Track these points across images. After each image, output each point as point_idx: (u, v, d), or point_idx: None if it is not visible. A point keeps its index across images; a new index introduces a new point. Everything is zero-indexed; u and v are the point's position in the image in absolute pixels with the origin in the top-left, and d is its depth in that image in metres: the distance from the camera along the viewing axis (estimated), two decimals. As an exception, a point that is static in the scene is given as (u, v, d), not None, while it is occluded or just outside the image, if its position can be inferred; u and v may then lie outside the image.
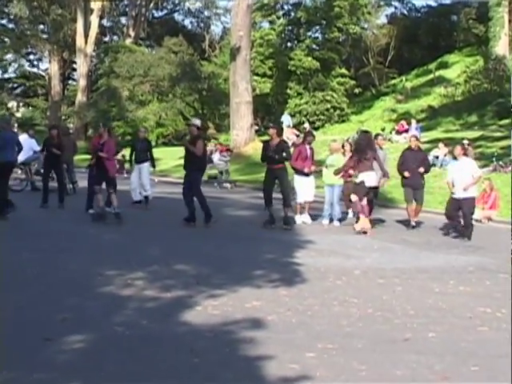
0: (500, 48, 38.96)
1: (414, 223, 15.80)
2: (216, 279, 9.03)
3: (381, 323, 7.15)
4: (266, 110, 46.14)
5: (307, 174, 16.00)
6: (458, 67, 44.09)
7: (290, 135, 37.07)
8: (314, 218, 16.20)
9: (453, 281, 9.66)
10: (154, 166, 18.16)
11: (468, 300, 8.44)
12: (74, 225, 13.97)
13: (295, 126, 39.85)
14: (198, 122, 15.61)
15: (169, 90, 47.13)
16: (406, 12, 57.17)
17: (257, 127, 40.72)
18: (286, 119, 39.52)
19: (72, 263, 9.79)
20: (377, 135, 17.39)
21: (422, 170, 15.80)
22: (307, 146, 16.15)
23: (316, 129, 40.10)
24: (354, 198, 14.97)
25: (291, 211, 15.45)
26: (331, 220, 16.17)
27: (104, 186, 14.81)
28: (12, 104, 68.43)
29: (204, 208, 14.52)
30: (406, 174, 15.74)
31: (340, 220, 16.21)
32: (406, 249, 12.93)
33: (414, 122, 34.68)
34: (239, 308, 7.49)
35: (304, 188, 16.01)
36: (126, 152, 22.97)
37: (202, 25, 64.93)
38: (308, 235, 13.85)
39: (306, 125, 38.53)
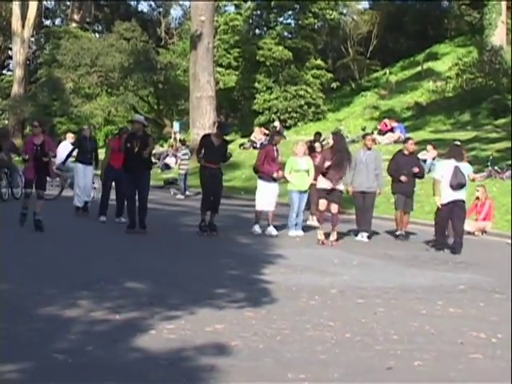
0: (496, 38, 39.35)
1: (403, 232, 16.20)
2: (172, 299, 8.99)
3: (360, 350, 7.16)
4: (231, 107, 46.20)
5: (275, 180, 16.06)
6: (449, 59, 44.54)
7: (258, 135, 37.24)
8: (277, 228, 16.35)
9: (442, 301, 9.71)
10: (97, 168, 18.98)
11: (459, 323, 8.49)
12: (7, 235, 13.82)
13: (264, 125, 39.97)
14: (141, 118, 16.49)
15: (119, 83, 46.99)
16: (390, -4, 57.56)
17: (220, 126, 40.73)
18: (176, 126, 41.01)
19: (3, 280, 9.67)
20: (365, 135, 18.29)
21: (416, 170, 16.26)
22: (274, 147, 16.23)
23: (288, 128, 40.31)
24: (322, 205, 15.12)
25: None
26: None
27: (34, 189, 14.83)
28: None
29: (144, 214, 14.98)
30: (403, 178, 16.05)
31: (303, 229, 16.38)
32: (389, 265, 13.00)
33: (392, 121, 34.99)
34: (199, 332, 7.46)
35: (267, 195, 16.08)
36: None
37: (160, 10, 64.73)
38: (277, 249, 13.88)
39: (277, 123, 38.69)
